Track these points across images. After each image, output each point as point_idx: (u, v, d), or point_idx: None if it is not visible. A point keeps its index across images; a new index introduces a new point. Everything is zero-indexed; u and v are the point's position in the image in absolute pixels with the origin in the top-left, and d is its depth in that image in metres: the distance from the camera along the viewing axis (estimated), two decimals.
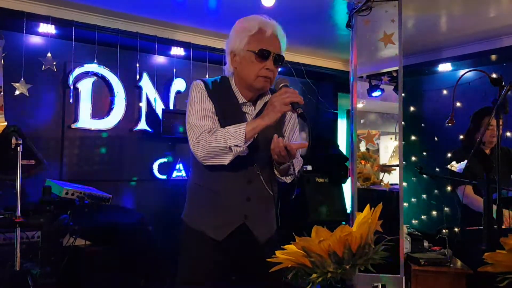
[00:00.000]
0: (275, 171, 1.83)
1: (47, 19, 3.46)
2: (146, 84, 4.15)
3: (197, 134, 1.71)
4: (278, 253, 0.97)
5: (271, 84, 1.77)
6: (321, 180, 4.44)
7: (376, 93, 4.66)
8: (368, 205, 0.95)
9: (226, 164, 1.68)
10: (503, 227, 2.02)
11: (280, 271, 0.98)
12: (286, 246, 0.96)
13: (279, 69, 1.80)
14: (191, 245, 1.83)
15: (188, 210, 1.88)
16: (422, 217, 5.09)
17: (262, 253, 1.63)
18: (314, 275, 0.91)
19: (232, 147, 1.64)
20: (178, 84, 4.31)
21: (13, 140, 2.50)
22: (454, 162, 2.67)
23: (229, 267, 1.82)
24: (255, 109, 1.82)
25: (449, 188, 4.54)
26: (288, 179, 1.86)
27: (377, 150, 4.86)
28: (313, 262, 0.91)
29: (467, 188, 3.03)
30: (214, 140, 1.66)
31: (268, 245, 1.78)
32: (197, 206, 1.85)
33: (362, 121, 3.64)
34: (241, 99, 1.80)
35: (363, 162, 3.86)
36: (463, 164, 2.44)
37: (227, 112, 1.78)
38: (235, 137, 1.63)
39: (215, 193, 1.78)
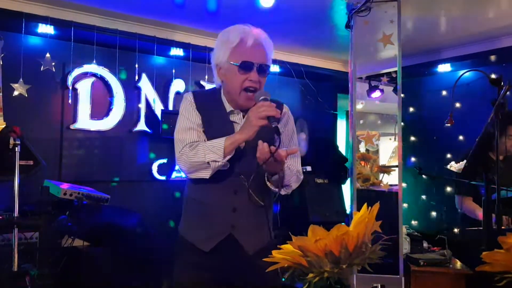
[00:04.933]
0: (267, 182, 1.78)
1: (46, 20, 3.45)
2: (145, 85, 4.14)
3: (179, 148, 1.74)
4: (274, 252, 0.96)
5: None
6: (320, 181, 4.43)
7: (376, 94, 4.66)
8: (365, 205, 0.94)
9: (207, 178, 1.70)
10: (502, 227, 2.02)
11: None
12: (282, 246, 0.96)
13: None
14: (182, 256, 1.85)
15: (182, 221, 1.91)
16: (422, 218, 5.07)
17: (251, 264, 1.62)
18: (311, 275, 0.90)
19: (210, 162, 1.65)
20: (177, 85, 4.30)
21: (11, 141, 2.50)
22: (453, 163, 2.66)
23: (217, 278, 1.80)
24: (243, 117, 1.79)
25: (448, 188, 4.55)
26: (283, 191, 1.81)
27: (377, 151, 4.86)
28: (309, 261, 0.90)
29: (467, 199, 3.06)
30: (194, 155, 1.68)
31: (259, 256, 1.73)
32: (189, 217, 1.87)
33: (361, 122, 3.63)
34: (228, 108, 1.80)
35: (362, 163, 3.85)
36: (461, 164, 2.44)
37: (215, 121, 1.79)
38: (214, 152, 1.64)
39: (203, 204, 1.80)
